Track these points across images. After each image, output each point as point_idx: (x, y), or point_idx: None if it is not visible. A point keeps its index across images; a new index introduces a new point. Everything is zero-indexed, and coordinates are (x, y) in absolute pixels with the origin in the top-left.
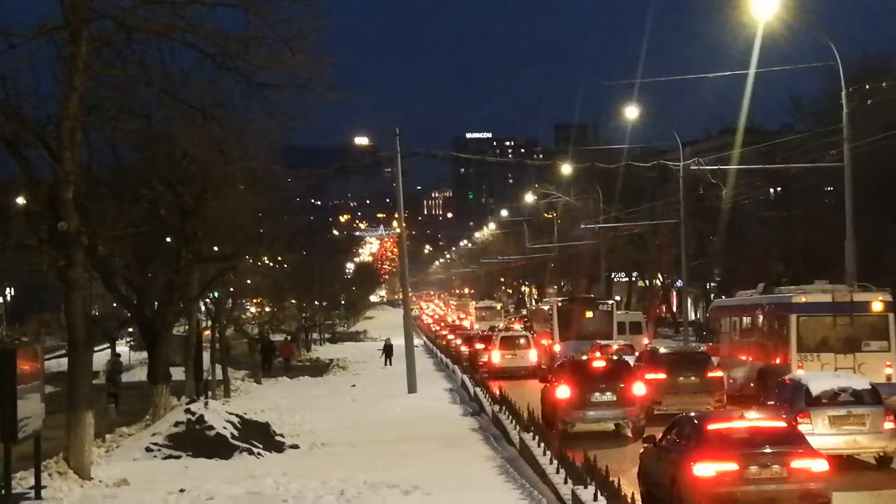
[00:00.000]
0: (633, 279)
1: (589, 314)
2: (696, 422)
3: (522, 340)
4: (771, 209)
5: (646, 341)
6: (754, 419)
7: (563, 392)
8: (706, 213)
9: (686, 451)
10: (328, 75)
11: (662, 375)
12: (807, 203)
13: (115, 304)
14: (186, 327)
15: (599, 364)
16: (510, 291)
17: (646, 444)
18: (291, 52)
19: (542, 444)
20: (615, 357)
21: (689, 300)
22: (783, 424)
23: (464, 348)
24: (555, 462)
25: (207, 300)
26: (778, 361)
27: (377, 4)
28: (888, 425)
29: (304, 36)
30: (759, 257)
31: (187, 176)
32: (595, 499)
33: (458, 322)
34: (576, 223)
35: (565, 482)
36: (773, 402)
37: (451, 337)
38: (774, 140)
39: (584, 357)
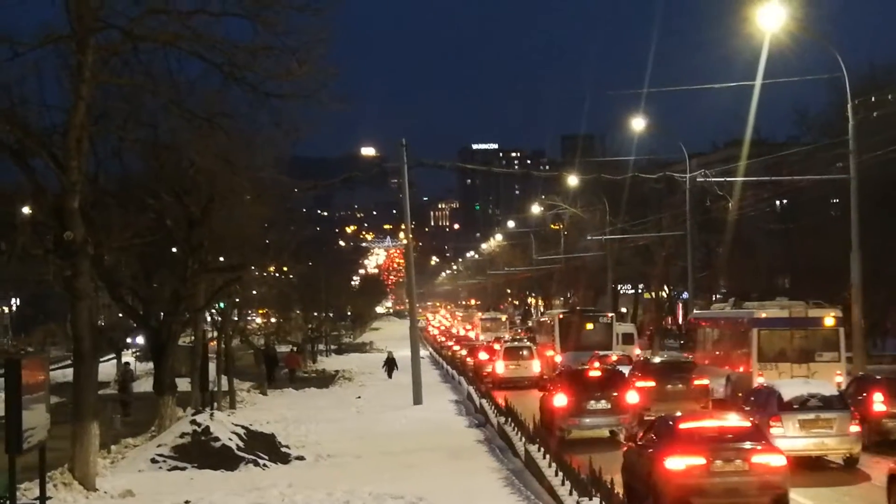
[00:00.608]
0: (640, 291)
1: (589, 326)
2: (669, 422)
3: (525, 352)
4: (777, 221)
5: (638, 352)
6: (720, 420)
7: (561, 400)
8: (712, 225)
9: (660, 448)
10: (334, 86)
11: (652, 383)
12: (813, 215)
13: (121, 315)
14: (192, 338)
15: (595, 374)
16: (517, 303)
17: (628, 443)
18: (298, 63)
19: (548, 457)
20: (612, 367)
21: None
22: (747, 424)
23: (468, 359)
24: (560, 474)
25: (213, 311)
26: (742, 370)
27: (383, 16)
28: (853, 429)
29: (312, 47)
30: (765, 269)
31: (194, 186)
32: None
33: (464, 333)
34: (582, 234)
35: (570, 494)
36: (748, 408)
37: (456, 348)
38: (781, 152)
39: (582, 367)
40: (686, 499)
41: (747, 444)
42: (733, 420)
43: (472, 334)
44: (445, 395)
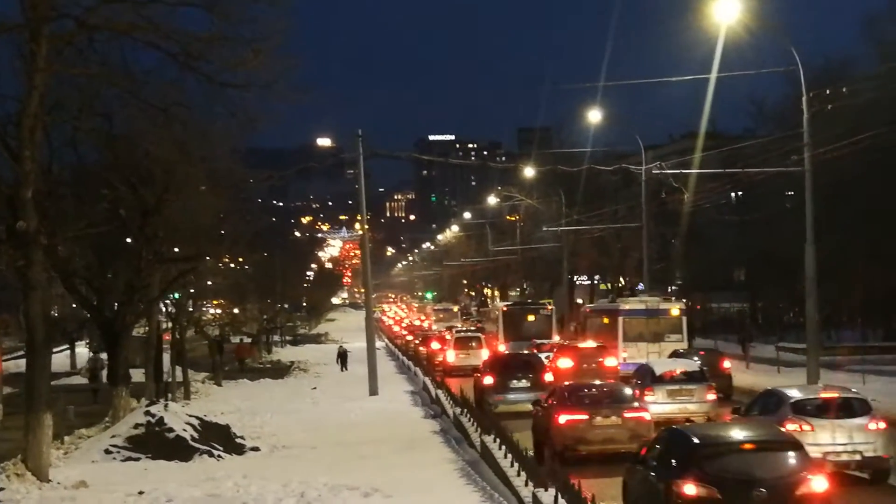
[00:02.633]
0: (596, 282)
1: (531, 318)
2: (562, 388)
3: (474, 342)
4: (732, 213)
5: (556, 338)
6: (601, 387)
7: (489, 380)
8: (668, 217)
9: (555, 409)
10: (291, 76)
11: (571, 363)
12: (768, 208)
13: (74, 305)
14: (146, 329)
15: (517, 357)
16: (472, 294)
17: (535, 407)
18: (254, 53)
19: (503, 447)
20: (533, 353)
21: None
22: (622, 389)
23: (421, 348)
24: (515, 465)
25: (168, 301)
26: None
27: (339, 6)
28: (710, 396)
29: (268, 37)
30: (720, 261)
31: (149, 176)
32: (556, 501)
33: (419, 323)
34: (538, 226)
35: (526, 485)
36: (634, 380)
37: (409, 337)
38: (736, 144)
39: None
40: (573, 446)
41: (621, 405)
42: (611, 386)
43: (425, 325)
44: (401, 386)
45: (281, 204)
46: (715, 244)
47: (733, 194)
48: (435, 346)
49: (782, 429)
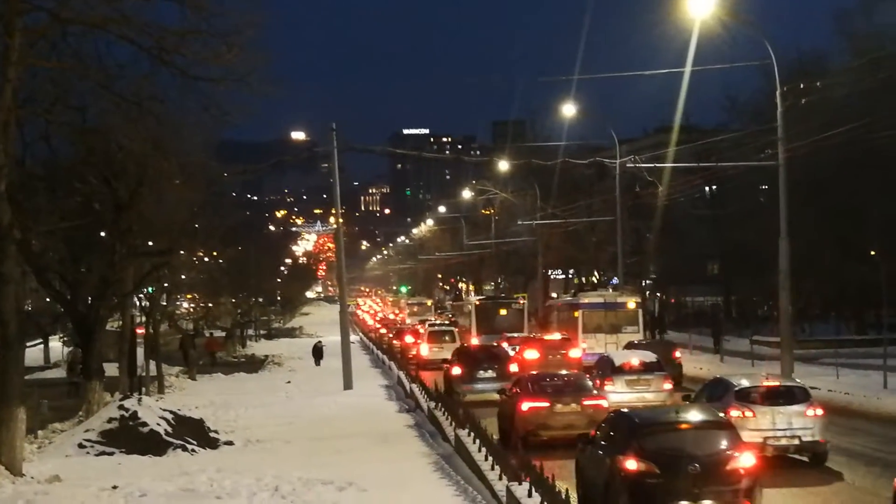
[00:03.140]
0: (570, 276)
1: (503, 311)
2: (526, 378)
3: (448, 336)
4: (706, 207)
5: (527, 332)
6: (562, 377)
7: (457, 370)
8: (642, 211)
9: (519, 396)
10: (265, 70)
11: (537, 354)
12: (742, 202)
13: (48, 300)
14: (120, 323)
15: (484, 349)
16: (447, 288)
17: (501, 396)
18: (227, 47)
19: (478, 441)
20: (498, 345)
21: None
22: (580, 379)
23: (395, 341)
24: (490, 459)
25: (142, 296)
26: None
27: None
28: (666, 386)
29: (241, 30)
30: (694, 255)
31: (122, 170)
32: (529, 495)
33: (393, 317)
34: (513, 220)
35: (500, 479)
36: (595, 371)
37: (383, 331)
38: (710, 138)
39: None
40: (535, 431)
41: (580, 394)
42: (571, 376)
43: (399, 318)
44: (376, 380)
45: (255, 198)
46: (689, 238)
47: (707, 188)
48: (409, 339)
49: (716, 412)
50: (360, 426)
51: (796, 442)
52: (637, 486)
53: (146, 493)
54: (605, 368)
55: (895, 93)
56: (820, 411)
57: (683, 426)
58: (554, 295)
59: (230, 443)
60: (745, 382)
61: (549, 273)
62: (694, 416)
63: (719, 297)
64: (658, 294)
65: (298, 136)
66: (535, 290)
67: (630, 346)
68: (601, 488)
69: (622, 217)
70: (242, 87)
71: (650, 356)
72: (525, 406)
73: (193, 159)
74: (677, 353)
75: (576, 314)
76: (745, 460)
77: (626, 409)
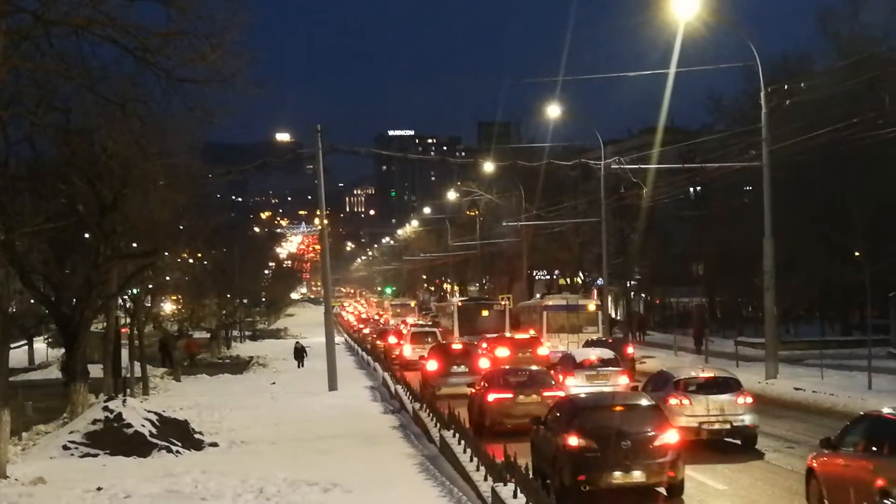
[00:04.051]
0: (555, 277)
1: (485, 313)
2: (493, 372)
3: (430, 337)
4: (691, 208)
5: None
6: (524, 371)
7: (432, 366)
8: (627, 212)
9: (486, 388)
10: (249, 71)
11: (508, 352)
12: (726, 202)
13: (32, 301)
14: (105, 324)
15: (457, 347)
16: (432, 289)
17: (471, 389)
18: (211, 48)
19: (463, 442)
20: (471, 343)
21: (610, 298)
22: (542, 372)
23: (378, 342)
24: (475, 460)
25: (126, 297)
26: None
27: (298, 1)
28: (622, 379)
29: (225, 32)
30: (679, 255)
31: (107, 171)
32: (515, 496)
33: (377, 318)
34: (498, 221)
35: (485, 479)
36: (558, 366)
37: (366, 331)
38: (694, 139)
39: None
40: (500, 420)
41: (541, 386)
42: (533, 371)
43: (382, 319)
44: (360, 381)
45: (240, 199)
46: (673, 238)
47: (692, 189)
48: (392, 340)
49: (647, 397)
50: (345, 427)
51: (728, 426)
52: (578, 458)
53: (131, 495)
54: (567, 364)
55: (879, 93)
56: (749, 399)
57: (618, 409)
58: (538, 295)
59: (215, 444)
60: (683, 374)
61: (534, 274)
62: (627, 400)
63: (704, 298)
64: (643, 295)
65: (283, 137)
66: (520, 292)
67: (589, 343)
68: (550, 461)
69: (607, 218)
70: (227, 88)
71: (608, 353)
72: (491, 397)
73: (178, 161)
74: (629, 350)
75: (541, 315)
76: (670, 437)
77: (570, 395)
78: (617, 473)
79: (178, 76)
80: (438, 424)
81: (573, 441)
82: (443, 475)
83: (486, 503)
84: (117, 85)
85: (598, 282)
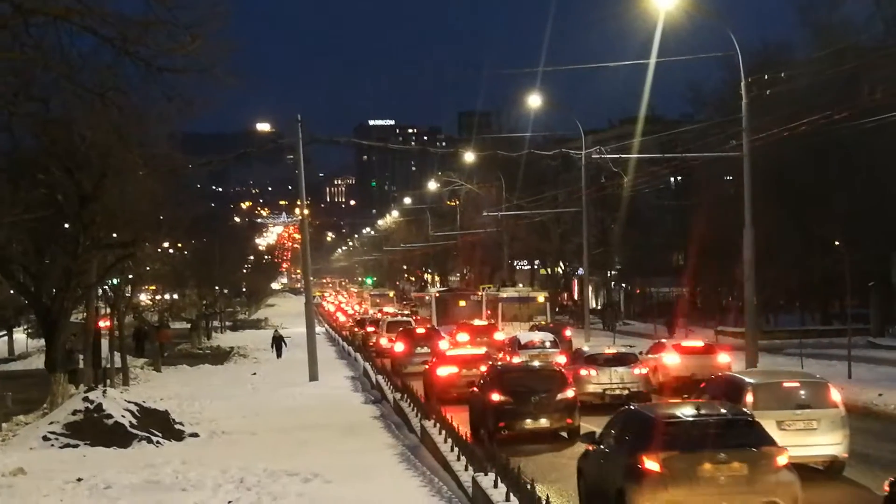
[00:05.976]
0: (536, 267)
1: (462, 303)
2: (443, 352)
3: (404, 327)
4: (672, 198)
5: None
6: (469, 350)
7: (399, 347)
8: (608, 202)
9: (435, 364)
10: (229, 61)
11: (468, 336)
12: (707, 192)
13: (11, 291)
14: (84, 315)
15: (420, 332)
16: (413, 279)
17: (425, 365)
18: (191, 38)
19: (443, 432)
20: (433, 328)
21: (591, 288)
22: (482, 351)
23: (356, 329)
24: (455, 449)
25: (106, 287)
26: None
27: None
28: (561, 359)
29: (205, 21)
30: (659, 245)
31: (86, 161)
32: (495, 485)
33: (358, 308)
34: (479, 211)
35: (466, 469)
36: (506, 347)
37: (343, 319)
38: (675, 129)
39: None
40: (447, 390)
41: (482, 362)
42: (476, 350)
43: (361, 309)
44: (341, 372)
45: (220, 189)
46: (654, 228)
47: (672, 179)
48: (370, 330)
49: (553, 365)
50: (326, 418)
51: (626, 392)
52: (499, 410)
53: (111, 486)
54: (514, 345)
55: (859, 84)
56: (645, 370)
57: (529, 373)
58: (520, 285)
59: (195, 435)
60: (591, 351)
61: (515, 264)
62: (539, 367)
63: (684, 288)
64: (623, 285)
65: (263, 127)
66: (502, 281)
67: (534, 328)
68: (479, 414)
69: (588, 208)
70: (207, 77)
71: (549, 336)
72: (439, 371)
73: (157, 151)
74: (567, 333)
75: (497, 305)
76: (569, 394)
77: (497, 364)
78: (528, 421)
79: (158, 65)
80: (419, 415)
81: (496, 397)
82: (424, 465)
83: (467, 493)
84: (96, 74)
85: (579, 271)
